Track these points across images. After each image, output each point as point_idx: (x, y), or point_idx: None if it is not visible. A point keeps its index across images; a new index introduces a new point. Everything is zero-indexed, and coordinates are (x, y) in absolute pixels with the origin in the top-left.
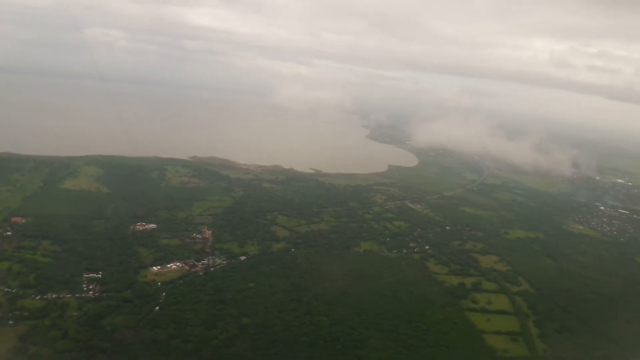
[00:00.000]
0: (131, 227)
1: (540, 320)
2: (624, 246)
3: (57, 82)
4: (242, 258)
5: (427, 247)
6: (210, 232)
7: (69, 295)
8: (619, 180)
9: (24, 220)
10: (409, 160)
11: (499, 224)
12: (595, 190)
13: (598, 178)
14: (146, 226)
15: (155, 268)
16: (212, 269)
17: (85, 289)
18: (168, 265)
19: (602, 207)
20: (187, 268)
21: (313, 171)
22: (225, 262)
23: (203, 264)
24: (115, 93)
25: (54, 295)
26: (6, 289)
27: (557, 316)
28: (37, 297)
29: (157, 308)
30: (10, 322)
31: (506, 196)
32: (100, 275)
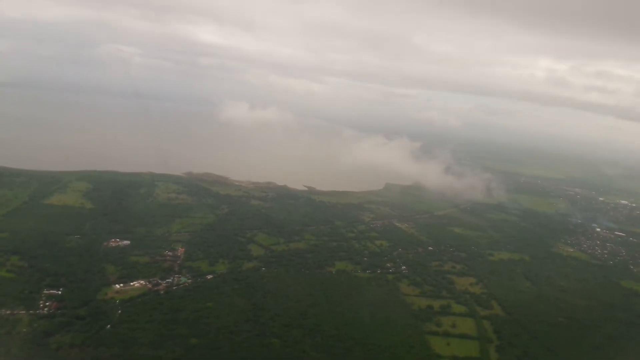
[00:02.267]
0: (104, 243)
1: (503, 346)
2: (611, 270)
3: (73, 97)
4: (209, 277)
5: (403, 267)
6: (183, 249)
7: (23, 312)
8: (623, 201)
9: None
10: (407, 177)
11: (485, 245)
12: (594, 211)
13: (602, 199)
14: (119, 243)
15: (117, 286)
16: (174, 287)
17: (41, 305)
18: (131, 283)
19: (598, 229)
20: (150, 286)
21: (306, 188)
22: (190, 280)
23: (167, 282)
24: (128, 108)
25: (8, 312)
26: None
27: (522, 342)
28: None
29: (108, 326)
30: None
31: (500, 216)
32: (60, 292)
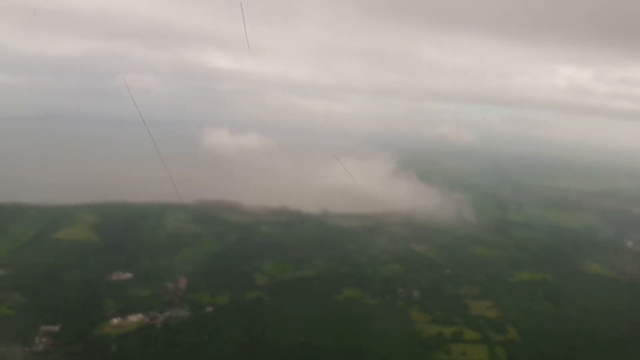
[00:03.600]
0: (107, 276)
1: None
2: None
3: (90, 130)
4: (209, 309)
5: (416, 292)
6: (185, 281)
7: (18, 349)
8: None
9: (2, 272)
10: (430, 197)
11: (506, 266)
12: (628, 225)
13: (637, 210)
14: (122, 276)
15: (115, 320)
16: (172, 321)
17: (37, 342)
18: (129, 317)
19: (630, 243)
20: (148, 320)
21: (321, 211)
22: (189, 313)
23: (165, 315)
24: (144, 138)
25: (4, 349)
26: None
27: None
28: None
29: None
30: None
31: (525, 234)
32: (57, 328)
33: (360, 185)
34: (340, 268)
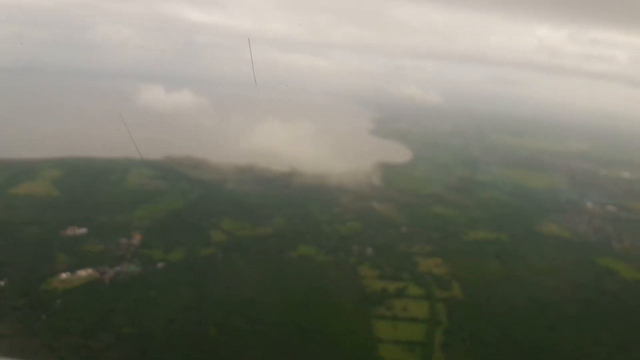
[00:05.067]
0: (61, 232)
1: (452, 329)
2: (591, 247)
3: (66, 82)
4: (160, 265)
5: (369, 250)
6: (139, 237)
7: None
8: (625, 175)
9: None
10: (402, 155)
11: (464, 225)
12: (591, 186)
13: (604, 172)
14: (76, 231)
15: (64, 275)
16: (121, 276)
17: None
18: (78, 272)
19: (589, 204)
20: (97, 275)
21: (290, 170)
22: (139, 269)
23: (115, 270)
24: (119, 91)
25: None
26: None
27: (473, 325)
28: None
29: (44, 317)
30: None
31: (489, 194)
32: (3, 283)
33: (333, 143)
34: (299, 226)
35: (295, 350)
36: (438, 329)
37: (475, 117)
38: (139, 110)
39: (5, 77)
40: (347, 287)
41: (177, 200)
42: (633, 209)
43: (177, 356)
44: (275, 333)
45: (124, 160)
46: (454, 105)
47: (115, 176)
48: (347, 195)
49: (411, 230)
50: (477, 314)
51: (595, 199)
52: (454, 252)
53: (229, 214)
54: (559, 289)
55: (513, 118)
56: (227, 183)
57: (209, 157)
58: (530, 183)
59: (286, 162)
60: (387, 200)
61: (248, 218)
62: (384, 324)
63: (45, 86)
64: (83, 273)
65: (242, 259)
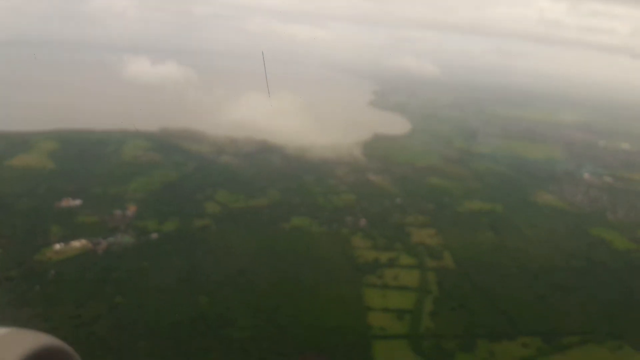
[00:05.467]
0: (56, 203)
1: (441, 298)
2: (586, 217)
3: (64, 54)
4: (153, 236)
5: (363, 221)
6: (134, 208)
7: None
8: (624, 146)
9: None
10: (401, 127)
11: (459, 195)
12: (589, 157)
13: (602, 143)
14: (71, 202)
15: (58, 246)
16: (115, 247)
17: None
18: (72, 243)
19: (586, 175)
20: (91, 246)
21: (285, 142)
22: (133, 240)
23: (109, 241)
24: (113, 64)
25: None
26: None
27: (463, 293)
28: None
29: (37, 287)
30: None
31: (486, 165)
32: None
33: (331, 116)
34: (294, 198)
35: (284, 316)
36: (428, 298)
37: (475, 89)
38: (135, 82)
39: (2, 49)
40: (339, 257)
41: (171, 172)
42: (629, 180)
43: (166, 325)
44: (265, 302)
45: (120, 132)
46: (454, 77)
47: (111, 148)
48: (343, 167)
49: (406, 202)
50: (467, 283)
51: (593, 170)
52: (447, 222)
53: (224, 185)
54: (550, 258)
55: (514, 90)
56: (223, 155)
57: (205, 130)
58: (528, 154)
59: (283, 134)
60: (383, 172)
61: (242, 190)
62: (374, 292)
63: (42, 58)
64: (77, 244)
65: (235, 230)
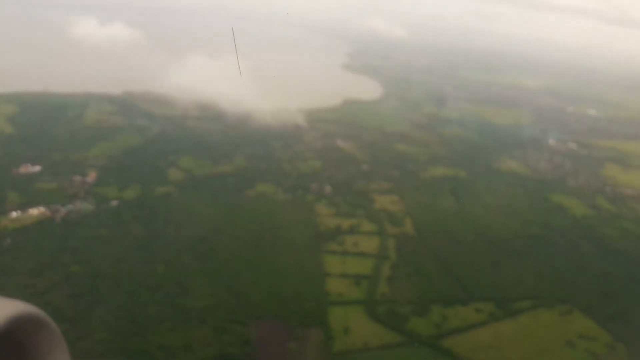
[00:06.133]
0: (14, 170)
1: (398, 264)
2: (547, 184)
3: (30, 11)
4: (114, 203)
5: (328, 187)
6: (94, 174)
7: None
8: (592, 112)
9: None
10: (372, 92)
11: (424, 161)
12: (556, 123)
13: (571, 109)
14: (30, 168)
15: (14, 213)
16: (74, 214)
17: None
18: (30, 211)
19: (552, 141)
20: (49, 213)
21: (254, 106)
22: (92, 207)
23: (67, 209)
24: (78, 22)
25: None
26: None
27: (420, 259)
28: None
29: None
30: None
31: (453, 131)
32: None
33: (302, 79)
34: (260, 164)
35: (242, 284)
36: (385, 264)
37: (449, 53)
38: (95, 42)
39: None
40: (301, 224)
41: (135, 137)
42: (593, 146)
43: (122, 293)
44: (224, 269)
45: (84, 95)
46: (429, 40)
47: (73, 112)
48: (312, 133)
49: (371, 168)
50: (424, 250)
51: (558, 136)
52: (410, 189)
53: (188, 151)
54: (508, 225)
55: (487, 53)
56: (188, 120)
57: (169, 93)
58: (497, 119)
59: (252, 98)
60: (351, 138)
61: (207, 156)
62: (333, 258)
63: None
64: (34, 211)
65: (198, 197)
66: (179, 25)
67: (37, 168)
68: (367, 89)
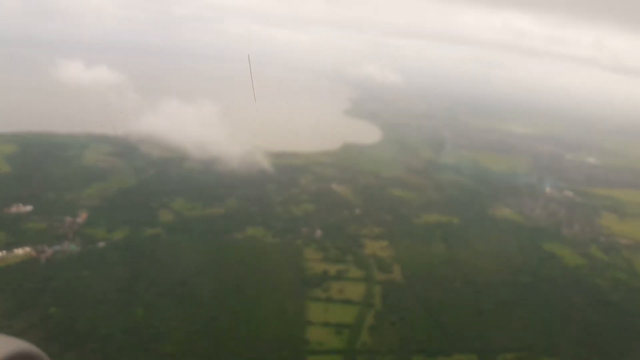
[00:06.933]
0: (5, 209)
1: (383, 312)
2: (541, 232)
3: (39, 53)
4: (101, 244)
5: (318, 231)
6: (85, 215)
7: None
8: (590, 160)
9: None
10: (371, 136)
11: (418, 207)
12: (554, 170)
13: (569, 157)
14: (21, 208)
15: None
16: (60, 255)
17: None
18: (15, 251)
19: (548, 189)
20: (35, 254)
21: (253, 148)
22: (79, 248)
23: (54, 249)
24: (95, 63)
25: None
26: None
27: (405, 308)
28: None
29: None
30: None
31: (449, 177)
32: None
33: (303, 122)
34: (252, 207)
35: (220, 330)
36: (370, 312)
37: (449, 98)
38: (90, 85)
39: None
40: (288, 269)
41: (130, 179)
42: (590, 194)
43: (98, 337)
44: (203, 314)
45: (85, 136)
46: (429, 86)
47: (73, 152)
48: (308, 176)
49: (364, 213)
50: (411, 297)
51: (555, 184)
52: (402, 234)
53: (182, 193)
54: (497, 273)
55: (487, 100)
56: (185, 162)
57: (168, 135)
58: (494, 166)
59: (251, 141)
60: (347, 181)
61: (200, 198)
62: (317, 305)
63: (14, 57)
64: (20, 251)
65: (186, 239)
66: (181, 68)
67: (29, 208)
68: (366, 133)
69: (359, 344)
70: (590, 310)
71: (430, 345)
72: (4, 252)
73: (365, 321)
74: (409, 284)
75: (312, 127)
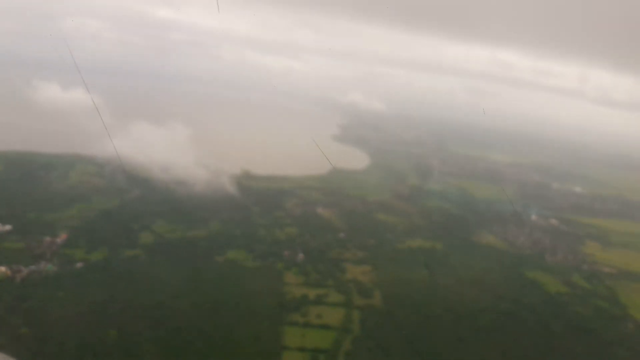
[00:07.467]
0: None
1: (360, 338)
2: (524, 259)
3: (35, 74)
4: (79, 265)
5: (300, 255)
6: (65, 236)
7: None
8: (577, 189)
9: None
10: (358, 162)
11: (402, 232)
12: (540, 199)
13: (556, 186)
14: (0, 228)
15: None
16: (35, 275)
17: None
18: None
19: (533, 217)
20: (10, 273)
21: (241, 172)
22: (56, 268)
23: (30, 269)
24: (87, 86)
25: None
26: None
27: (383, 334)
28: None
29: None
30: None
31: (434, 203)
32: None
33: (292, 148)
34: (235, 230)
35: (193, 355)
36: (347, 337)
37: (439, 127)
38: (99, 103)
39: None
40: (266, 293)
41: (112, 199)
42: (574, 223)
43: (67, 358)
44: (177, 338)
45: (70, 156)
46: (418, 114)
47: (58, 172)
48: (293, 199)
49: (348, 236)
50: (389, 323)
51: (540, 212)
52: (384, 259)
53: (164, 215)
54: (478, 300)
55: (476, 128)
56: (171, 183)
57: (157, 157)
58: (480, 194)
59: (241, 164)
60: (332, 205)
61: (183, 220)
62: (294, 330)
63: (10, 78)
64: None
65: (165, 262)
66: (175, 91)
67: (8, 227)
68: (354, 159)
69: None
70: (570, 338)
71: None
72: None
73: (342, 347)
74: (388, 310)
75: (301, 151)
